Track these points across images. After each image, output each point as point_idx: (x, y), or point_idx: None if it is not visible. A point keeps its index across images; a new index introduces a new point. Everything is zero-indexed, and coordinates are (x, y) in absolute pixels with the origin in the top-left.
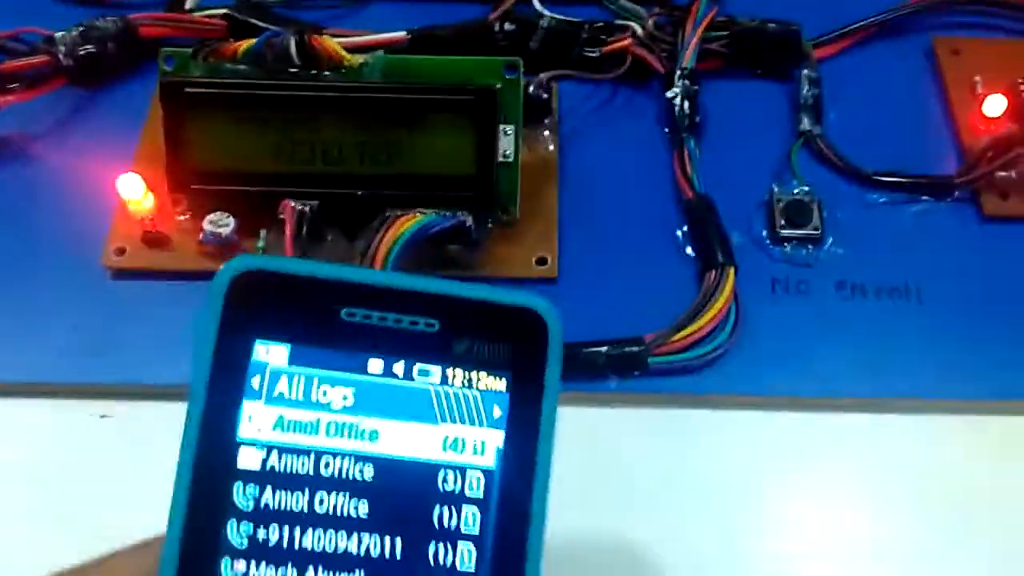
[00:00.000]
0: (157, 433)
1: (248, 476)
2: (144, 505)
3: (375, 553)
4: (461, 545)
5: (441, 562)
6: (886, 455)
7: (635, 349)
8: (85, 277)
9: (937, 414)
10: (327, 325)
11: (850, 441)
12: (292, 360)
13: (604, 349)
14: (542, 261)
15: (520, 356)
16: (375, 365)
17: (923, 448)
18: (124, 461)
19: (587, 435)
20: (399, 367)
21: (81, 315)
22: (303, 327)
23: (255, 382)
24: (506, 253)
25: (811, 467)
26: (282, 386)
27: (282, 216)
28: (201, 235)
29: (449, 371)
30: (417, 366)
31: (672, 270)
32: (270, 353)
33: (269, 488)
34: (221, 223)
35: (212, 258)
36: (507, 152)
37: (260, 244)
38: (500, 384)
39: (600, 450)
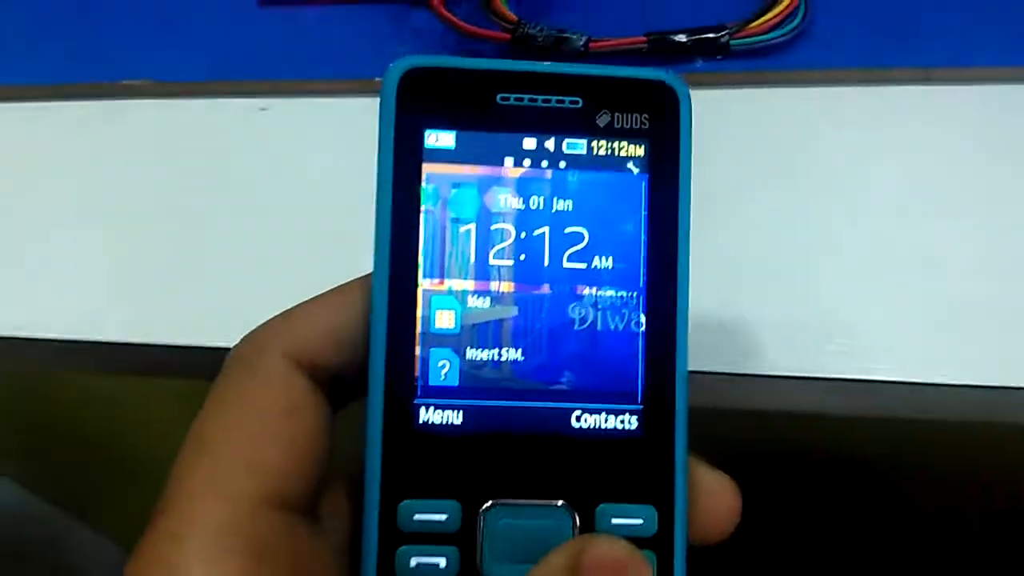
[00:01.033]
0: (310, 123)
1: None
2: (302, 186)
3: (558, 264)
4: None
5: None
6: (943, 123)
7: (718, 34)
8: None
9: None
10: (485, 111)
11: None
12: (459, 144)
13: (686, 36)
14: None
15: (656, 124)
16: (529, 143)
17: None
18: (283, 148)
19: None
20: (550, 142)
21: (235, 34)
22: (465, 114)
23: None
24: None
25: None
26: None
27: None
28: None
29: (594, 143)
30: (566, 140)
31: None
32: (439, 140)
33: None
34: None
35: None
36: None
37: None
38: (639, 151)
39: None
